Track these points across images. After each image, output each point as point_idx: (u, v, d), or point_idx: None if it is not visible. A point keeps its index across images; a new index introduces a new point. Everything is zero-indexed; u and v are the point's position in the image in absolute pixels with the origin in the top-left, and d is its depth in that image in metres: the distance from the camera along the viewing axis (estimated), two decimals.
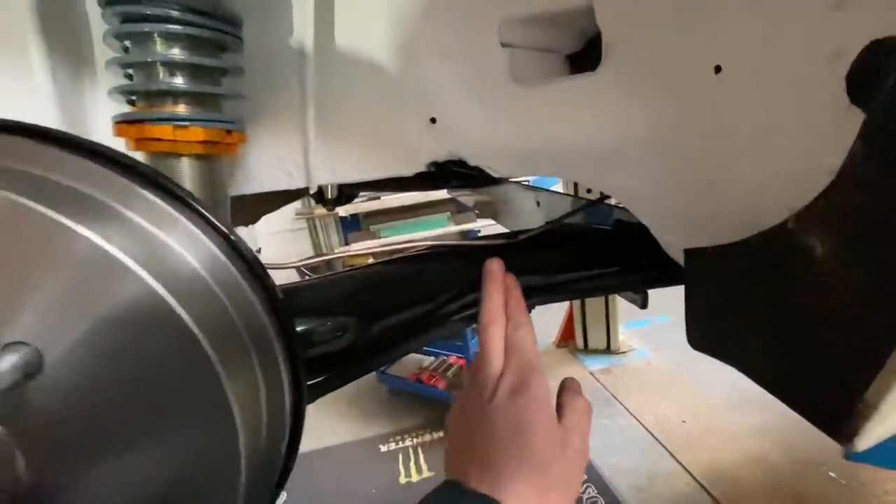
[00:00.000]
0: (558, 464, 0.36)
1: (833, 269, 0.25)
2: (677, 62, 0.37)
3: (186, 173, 0.40)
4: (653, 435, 2.32)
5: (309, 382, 0.40)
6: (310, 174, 0.50)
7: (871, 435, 0.26)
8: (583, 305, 2.73)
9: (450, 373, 2.42)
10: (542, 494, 0.34)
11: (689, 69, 0.36)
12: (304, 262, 0.56)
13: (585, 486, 1.95)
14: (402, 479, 2.11)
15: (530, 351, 0.40)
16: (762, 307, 0.31)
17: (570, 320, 3.05)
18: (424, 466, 2.15)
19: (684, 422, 2.42)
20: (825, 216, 0.25)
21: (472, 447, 0.36)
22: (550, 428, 0.37)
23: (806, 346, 0.28)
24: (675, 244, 0.42)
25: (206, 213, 0.26)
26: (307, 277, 0.53)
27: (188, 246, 0.25)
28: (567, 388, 0.40)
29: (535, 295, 0.53)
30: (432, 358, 2.54)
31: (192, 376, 0.23)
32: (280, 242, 3.93)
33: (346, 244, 3.82)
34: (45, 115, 0.44)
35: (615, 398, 2.78)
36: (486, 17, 0.43)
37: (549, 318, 3.01)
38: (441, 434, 2.31)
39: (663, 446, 2.27)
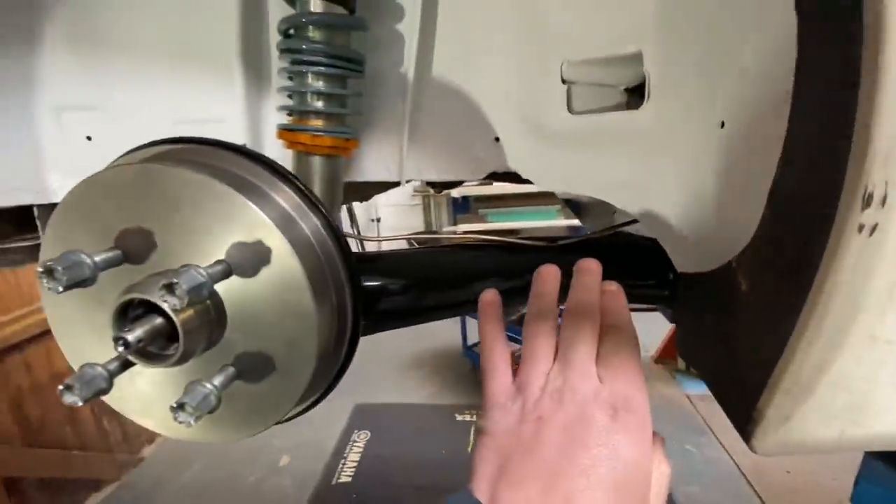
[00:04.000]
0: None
1: (748, 304, 0.31)
2: (696, 113, 0.43)
3: (317, 167, 0.58)
4: (743, 474, 2.13)
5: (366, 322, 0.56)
6: (401, 171, 0.65)
7: (766, 441, 0.32)
8: None
9: None
10: None
11: (703, 120, 0.42)
12: (408, 237, 0.74)
13: None
14: (470, 449, 2.28)
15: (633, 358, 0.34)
16: (712, 328, 0.37)
17: (674, 335, 2.87)
18: None
19: (789, 472, 2.17)
20: (747, 261, 0.31)
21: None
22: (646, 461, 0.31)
23: (731, 362, 0.34)
24: (682, 267, 0.48)
25: (319, 204, 0.42)
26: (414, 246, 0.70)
27: (305, 220, 0.41)
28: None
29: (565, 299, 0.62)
30: (519, 346, 2.63)
31: (294, 294, 0.40)
32: (399, 214, 4.69)
33: (455, 224, 4.06)
34: (239, 116, 0.65)
35: (709, 427, 2.58)
36: (549, 63, 0.53)
37: (653, 329, 2.86)
38: None
39: (754, 491, 2.08)
